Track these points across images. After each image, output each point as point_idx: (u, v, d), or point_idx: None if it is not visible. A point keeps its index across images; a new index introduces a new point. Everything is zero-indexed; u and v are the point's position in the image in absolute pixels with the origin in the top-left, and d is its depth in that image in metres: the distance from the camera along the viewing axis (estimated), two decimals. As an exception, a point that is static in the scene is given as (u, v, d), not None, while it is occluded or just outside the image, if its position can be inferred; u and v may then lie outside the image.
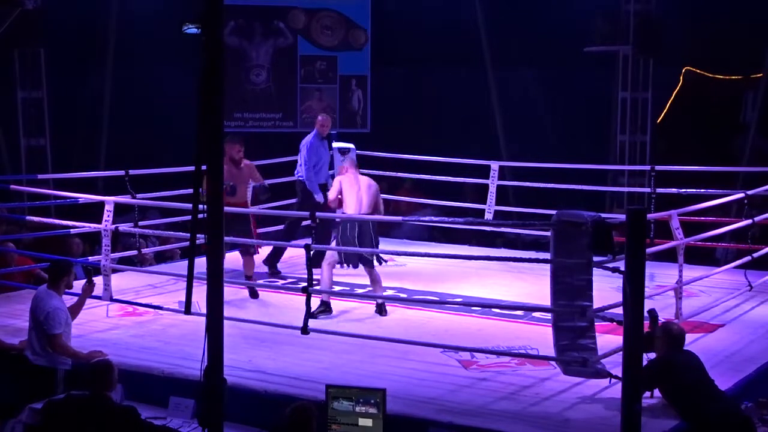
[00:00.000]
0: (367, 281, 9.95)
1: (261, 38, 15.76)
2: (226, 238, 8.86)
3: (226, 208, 8.83)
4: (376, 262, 9.32)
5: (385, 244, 11.68)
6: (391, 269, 10.81)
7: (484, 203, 11.53)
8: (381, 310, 8.99)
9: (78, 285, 8.09)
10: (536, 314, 8.71)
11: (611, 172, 13.87)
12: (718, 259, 12.06)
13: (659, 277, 9.48)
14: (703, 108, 14.41)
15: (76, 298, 7.97)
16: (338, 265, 9.13)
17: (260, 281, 10.10)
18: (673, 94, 14.69)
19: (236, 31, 15.58)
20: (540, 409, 6.69)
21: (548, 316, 7.47)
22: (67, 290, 7.76)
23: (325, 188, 10.66)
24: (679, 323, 7.73)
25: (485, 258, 10.60)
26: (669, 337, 6.69)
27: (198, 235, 5.18)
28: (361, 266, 9.16)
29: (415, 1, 15.79)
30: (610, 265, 6.73)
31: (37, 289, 7.81)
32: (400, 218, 9.13)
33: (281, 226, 11.33)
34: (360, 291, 9.71)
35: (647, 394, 6.61)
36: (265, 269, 10.53)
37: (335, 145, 12.54)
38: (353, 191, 9.11)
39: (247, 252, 9.54)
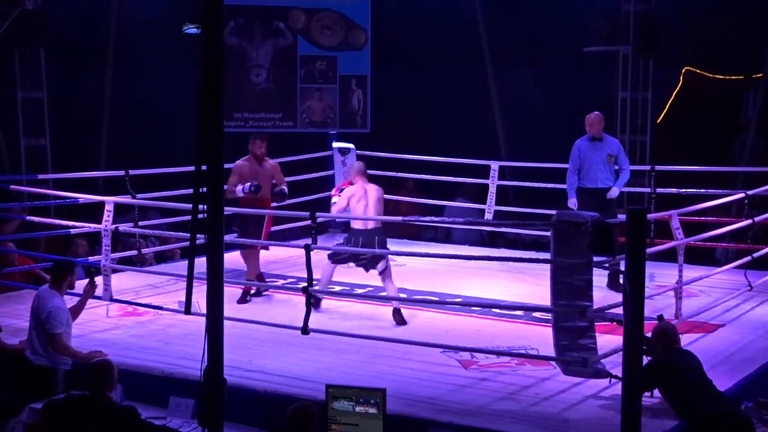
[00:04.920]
0: (366, 281, 9.98)
1: (261, 38, 15.75)
2: (231, 237, 9.02)
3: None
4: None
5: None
6: (392, 269, 10.81)
7: (484, 203, 11.52)
8: (396, 317, 8.75)
9: (79, 285, 8.10)
10: (536, 314, 8.71)
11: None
12: (718, 259, 12.06)
13: (659, 277, 9.48)
14: (703, 108, 14.38)
15: (77, 299, 7.97)
16: (348, 264, 9.10)
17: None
18: (673, 94, 14.68)
19: (236, 31, 15.57)
20: (540, 409, 6.69)
21: (548, 316, 7.48)
22: (69, 290, 7.77)
23: (599, 193, 9.75)
24: (678, 323, 7.74)
25: (485, 258, 10.60)
26: (665, 336, 6.69)
27: (198, 235, 5.18)
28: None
29: (415, 1, 15.79)
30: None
31: (39, 289, 7.82)
32: (400, 218, 9.11)
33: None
34: (360, 291, 9.72)
35: (647, 394, 6.62)
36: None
37: (335, 145, 12.56)
38: (361, 205, 8.94)
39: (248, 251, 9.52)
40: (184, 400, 7.06)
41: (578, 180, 9.91)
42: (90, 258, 9.97)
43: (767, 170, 11.07)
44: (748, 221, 9.75)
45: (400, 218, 9.08)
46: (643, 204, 12.50)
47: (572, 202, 9.90)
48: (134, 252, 10.58)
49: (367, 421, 6.38)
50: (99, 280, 8.46)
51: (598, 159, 9.85)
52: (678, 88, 14.66)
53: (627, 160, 10.03)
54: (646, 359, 6.46)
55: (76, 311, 7.83)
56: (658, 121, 14.51)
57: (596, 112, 9.99)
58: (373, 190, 9.03)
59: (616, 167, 9.97)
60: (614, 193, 9.88)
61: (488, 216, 11.34)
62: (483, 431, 6.33)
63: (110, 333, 8.45)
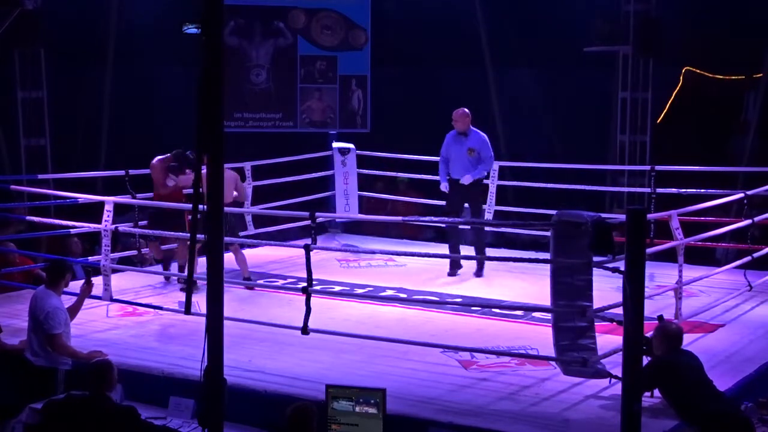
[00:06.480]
0: (366, 281, 9.98)
1: (261, 38, 15.75)
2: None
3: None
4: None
5: (385, 244, 11.72)
6: (391, 269, 10.82)
7: (485, 203, 11.52)
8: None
9: (76, 285, 8.09)
10: (536, 314, 8.70)
11: (611, 172, 13.86)
12: (718, 259, 12.06)
13: (659, 277, 9.47)
14: (703, 108, 14.39)
15: (74, 298, 7.97)
16: None
17: (260, 281, 10.11)
18: (673, 94, 14.69)
19: (236, 31, 15.57)
20: (540, 409, 6.69)
21: (548, 316, 7.47)
22: (65, 290, 7.77)
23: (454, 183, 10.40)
24: (679, 323, 7.74)
25: (485, 258, 10.59)
26: (666, 336, 6.69)
27: (198, 235, 5.18)
28: None
29: (415, 1, 15.79)
30: (610, 265, 6.73)
31: (36, 289, 7.82)
32: (400, 218, 9.12)
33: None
34: (360, 291, 9.72)
35: (647, 394, 6.62)
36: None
37: (335, 145, 12.55)
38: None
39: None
40: (184, 400, 7.06)
41: (448, 169, 10.59)
42: (90, 258, 9.97)
43: (767, 170, 11.06)
44: (748, 221, 9.75)
45: (400, 218, 9.09)
46: (643, 204, 12.50)
47: (444, 186, 10.56)
48: (134, 252, 10.58)
49: (367, 421, 6.38)
50: (98, 279, 8.45)
51: (460, 152, 10.52)
52: (678, 88, 14.67)
53: (490, 156, 10.57)
54: (646, 359, 6.46)
55: (73, 311, 7.82)
56: (658, 121, 14.52)
57: (462, 109, 10.58)
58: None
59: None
60: (466, 179, 10.43)
61: (488, 216, 11.34)
62: (483, 431, 6.33)
63: (110, 333, 8.45)
